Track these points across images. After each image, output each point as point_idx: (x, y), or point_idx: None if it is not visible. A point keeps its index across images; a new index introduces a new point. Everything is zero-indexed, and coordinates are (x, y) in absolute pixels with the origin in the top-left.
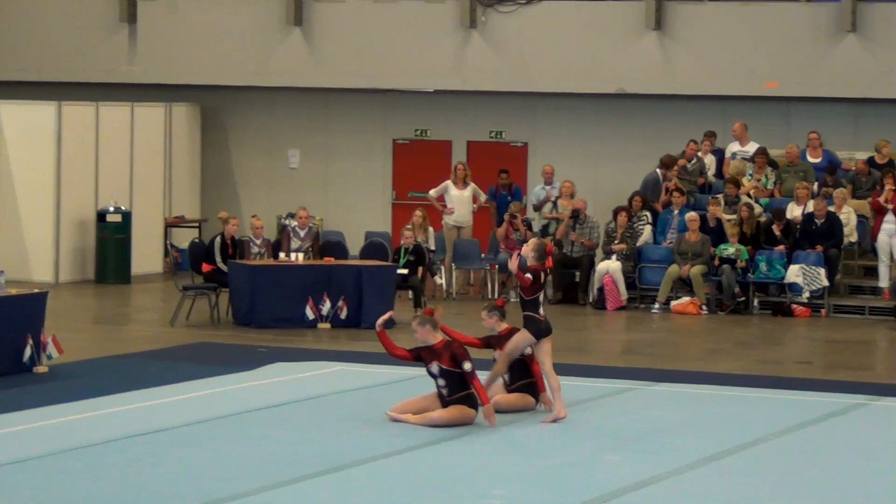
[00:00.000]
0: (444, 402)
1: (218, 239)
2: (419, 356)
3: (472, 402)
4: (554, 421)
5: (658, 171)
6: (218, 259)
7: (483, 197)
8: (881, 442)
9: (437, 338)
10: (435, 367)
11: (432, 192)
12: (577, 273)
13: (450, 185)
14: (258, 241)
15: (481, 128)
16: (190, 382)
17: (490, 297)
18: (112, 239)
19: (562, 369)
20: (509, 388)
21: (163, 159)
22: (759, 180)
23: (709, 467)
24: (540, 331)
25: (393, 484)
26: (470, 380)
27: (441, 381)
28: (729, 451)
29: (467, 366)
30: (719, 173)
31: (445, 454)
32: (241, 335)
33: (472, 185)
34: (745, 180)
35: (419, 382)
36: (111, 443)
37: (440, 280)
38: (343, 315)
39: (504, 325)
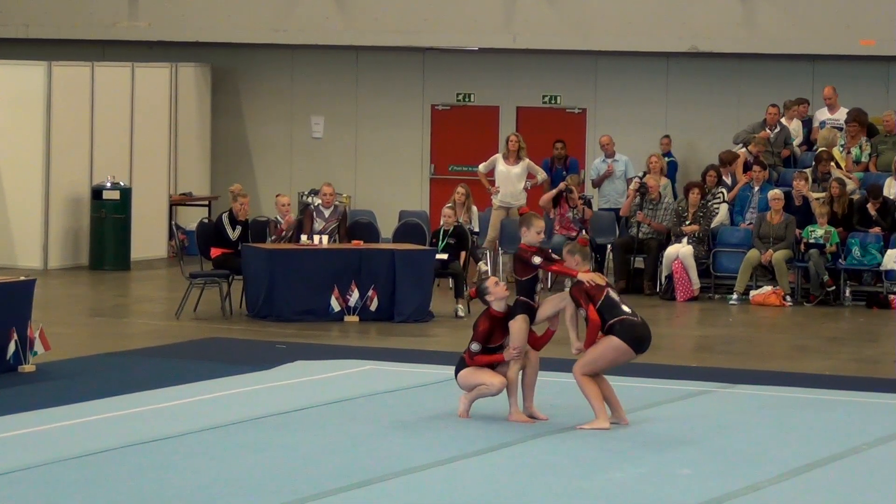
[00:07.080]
0: None
1: (226, 216)
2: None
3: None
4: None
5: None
6: (230, 233)
7: (541, 175)
8: None
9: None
10: None
11: (481, 168)
12: (643, 258)
13: (498, 158)
14: (283, 222)
15: (533, 92)
16: (198, 383)
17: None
18: (109, 219)
19: (626, 369)
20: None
21: (168, 128)
22: (850, 152)
23: (794, 481)
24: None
25: (431, 500)
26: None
27: None
28: (817, 464)
29: None
30: (807, 144)
31: (493, 466)
32: (256, 329)
33: (527, 160)
34: (835, 151)
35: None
36: (108, 452)
37: (485, 266)
38: (373, 307)
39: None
